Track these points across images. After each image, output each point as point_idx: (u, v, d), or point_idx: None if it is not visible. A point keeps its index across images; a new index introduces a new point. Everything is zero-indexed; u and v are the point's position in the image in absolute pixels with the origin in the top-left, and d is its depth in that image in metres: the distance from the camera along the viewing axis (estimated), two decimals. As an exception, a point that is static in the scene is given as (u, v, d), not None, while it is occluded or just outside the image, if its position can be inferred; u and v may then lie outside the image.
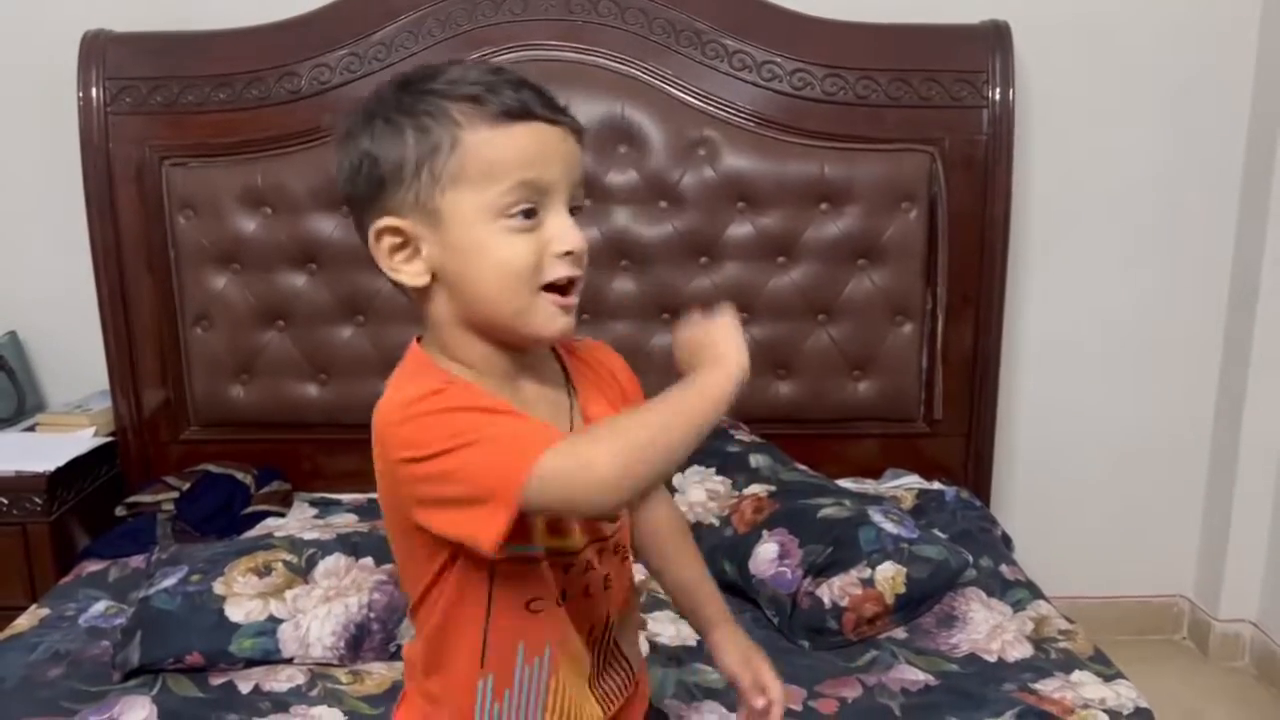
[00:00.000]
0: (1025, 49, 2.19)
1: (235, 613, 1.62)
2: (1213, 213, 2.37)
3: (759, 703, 1.07)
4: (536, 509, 0.83)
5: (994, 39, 2.15)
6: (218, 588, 1.65)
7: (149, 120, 2.11)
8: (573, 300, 0.90)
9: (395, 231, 0.88)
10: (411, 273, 0.89)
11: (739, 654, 1.09)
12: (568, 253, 0.88)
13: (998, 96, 2.15)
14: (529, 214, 0.87)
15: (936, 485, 2.21)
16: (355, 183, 0.90)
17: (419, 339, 0.96)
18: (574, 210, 0.90)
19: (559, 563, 0.94)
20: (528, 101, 0.86)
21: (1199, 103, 2.31)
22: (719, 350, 0.85)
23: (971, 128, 2.16)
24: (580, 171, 0.91)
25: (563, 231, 0.88)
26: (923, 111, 2.16)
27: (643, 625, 1.10)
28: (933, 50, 2.16)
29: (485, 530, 0.82)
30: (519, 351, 0.93)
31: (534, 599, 0.92)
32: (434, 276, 0.89)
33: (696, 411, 0.83)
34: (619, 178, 2.14)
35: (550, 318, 0.89)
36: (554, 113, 0.88)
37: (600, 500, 0.82)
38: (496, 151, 0.85)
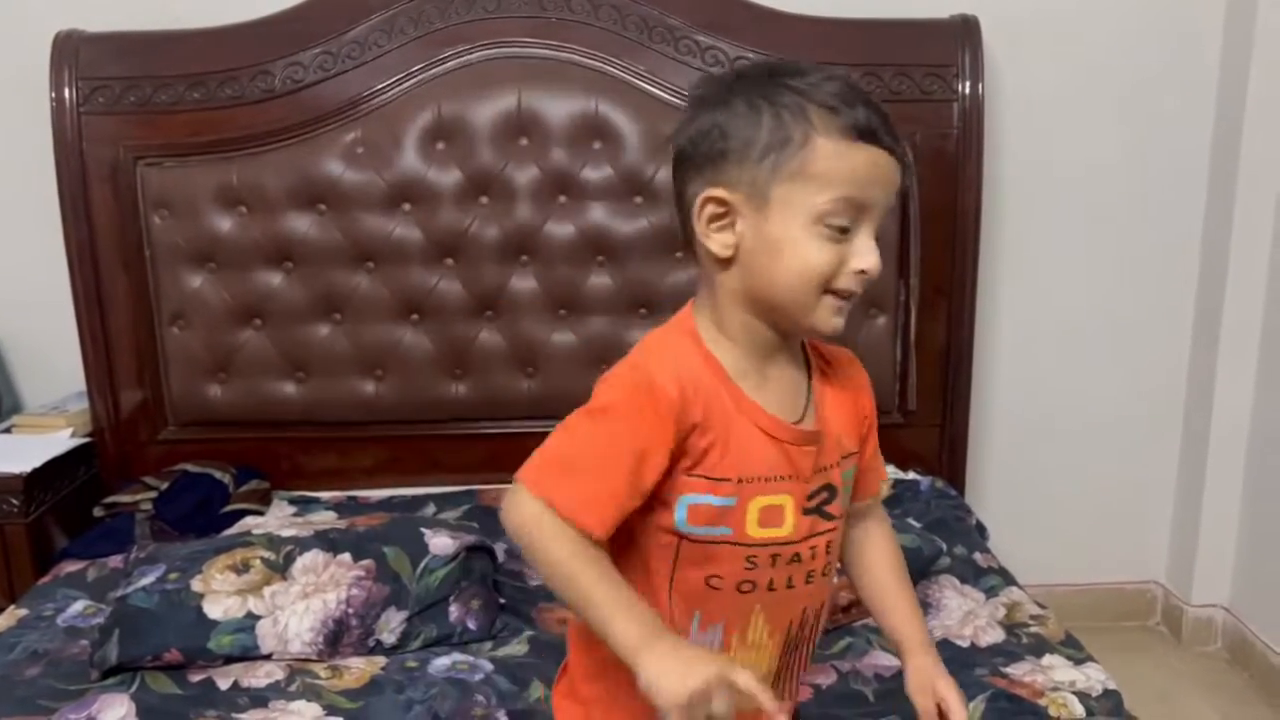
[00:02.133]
0: (994, 43, 2.21)
1: (213, 610, 1.62)
2: (1181, 202, 2.40)
3: None
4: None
5: (963, 33, 2.17)
6: (195, 585, 1.65)
7: (123, 120, 2.11)
8: (849, 304, 0.95)
9: (721, 203, 0.93)
10: (720, 242, 0.94)
11: (922, 680, 1.08)
12: (862, 271, 0.93)
13: (967, 90, 2.17)
14: (843, 229, 0.92)
15: (912, 475, 2.23)
16: (697, 146, 0.94)
17: (694, 300, 1.00)
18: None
19: (766, 552, 0.97)
20: (876, 127, 0.91)
21: (1166, 92, 2.34)
22: (661, 681, 0.83)
23: (942, 121, 2.18)
24: (894, 199, 0.95)
25: (866, 251, 0.93)
26: (893, 105, 2.13)
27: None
28: (903, 45, 2.18)
29: None
30: (782, 335, 0.98)
31: (713, 576, 0.97)
32: (736, 252, 0.94)
33: (593, 607, 0.88)
34: (593, 174, 2.15)
35: (828, 317, 0.94)
36: (894, 142, 0.92)
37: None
38: (837, 163, 0.90)
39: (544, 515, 0.89)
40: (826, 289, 0.93)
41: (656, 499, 0.93)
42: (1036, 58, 2.30)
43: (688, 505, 0.94)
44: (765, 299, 0.94)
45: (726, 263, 0.95)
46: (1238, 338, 2.36)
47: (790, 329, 0.98)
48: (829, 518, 1.01)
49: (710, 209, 0.93)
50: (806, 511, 0.98)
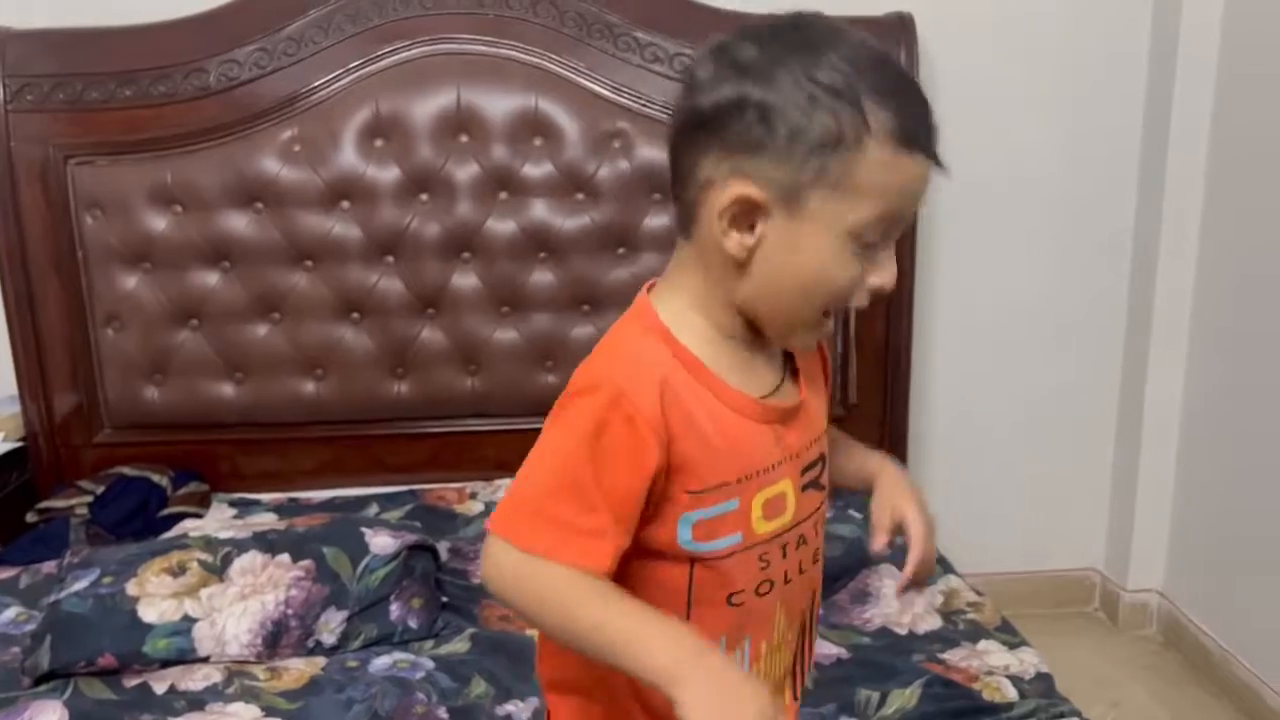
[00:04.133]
0: (929, 40, 2.24)
1: (149, 613, 1.60)
2: (1112, 196, 2.45)
3: (880, 542, 1.01)
4: None
5: (899, 30, 2.20)
6: (130, 589, 1.63)
7: (52, 118, 2.07)
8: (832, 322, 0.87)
9: (752, 203, 0.80)
10: (738, 243, 0.82)
11: (884, 496, 1.03)
12: (880, 287, 0.84)
13: (903, 86, 2.20)
14: (872, 245, 0.82)
15: (854, 467, 2.25)
16: (726, 120, 0.80)
17: (650, 287, 0.90)
18: None
19: (776, 545, 0.90)
20: (928, 130, 0.82)
21: (1098, 90, 2.39)
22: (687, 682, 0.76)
23: (879, 117, 2.21)
24: None
25: (887, 266, 0.84)
26: (831, 102, 2.20)
27: None
28: (840, 42, 2.20)
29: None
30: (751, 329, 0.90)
31: (735, 592, 0.89)
32: (749, 254, 0.83)
33: (606, 637, 0.79)
34: (534, 170, 2.15)
35: (811, 338, 0.89)
36: (937, 145, 0.82)
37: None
38: (886, 175, 0.79)
39: (528, 562, 0.81)
40: (830, 308, 0.85)
41: (656, 525, 0.85)
42: (971, 55, 2.33)
43: (692, 523, 0.85)
44: (762, 308, 0.85)
45: (734, 262, 0.83)
46: (1168, 331, 2.41)
47: (768, 337, 0.89)
48: (821, 488, 0.95)
49: (734, 209, 0.81)
50: (805, 488, 0.92)
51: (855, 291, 0.84)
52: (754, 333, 0.89)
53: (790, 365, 0.94)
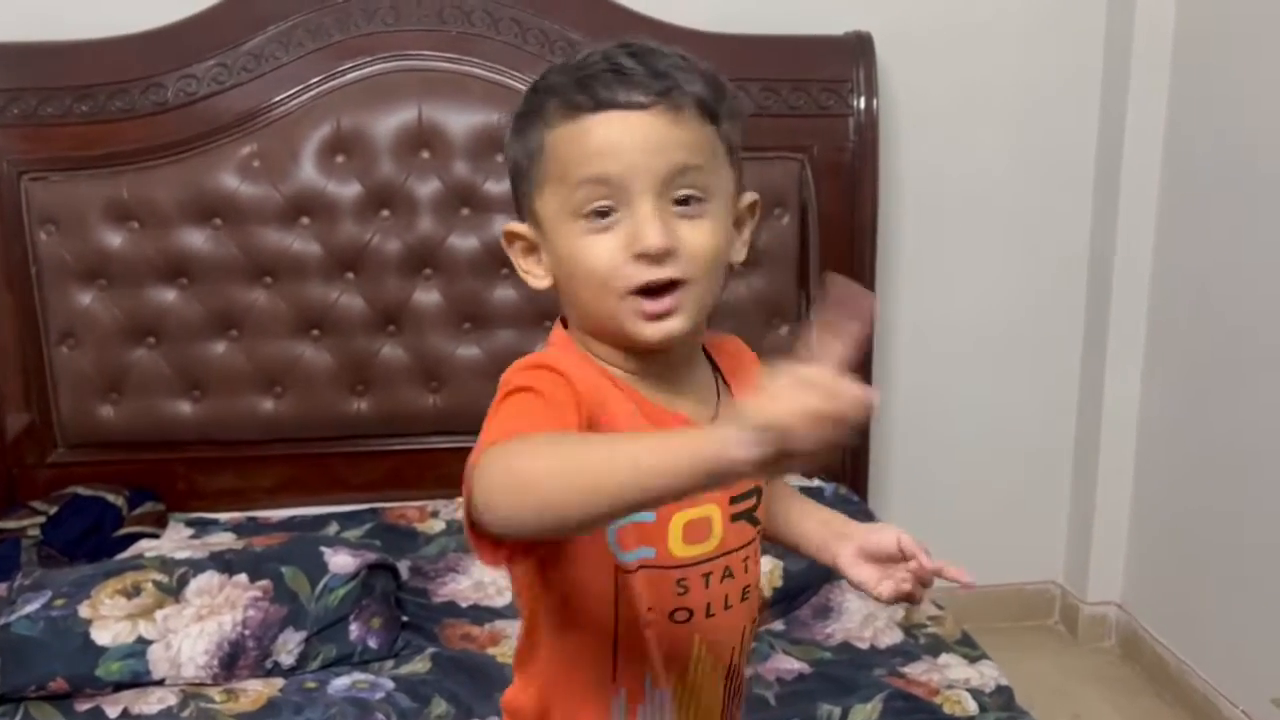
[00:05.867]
0: (887, 58, 2.27)
1: (102, 636, 1.58)
2: (1068, 211, 2.49)
3: (882, 588, 0.94)
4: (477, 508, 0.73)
5: (857, 49, 2.23)
6: (83, 611, 1.60)
7: (5, 133, 2.04)
8: (664, 304, 0.83)
9: (519, 236, 0.90)
10: (536, 275, 0.90)
11: (852, 549, 0.95)
12: (641, 255, 0.81)
13: (862, 105, 2.22)
14: (603, 213, 0.82)
15: (816, 482, 2.26)
16: (511, 183, 0.92)
17: (564, 322, 0.93)
18: (685, 200, 0.83)
19: (697, 572, 0.88)
20: (599, 91, 0.81)
21: (1052, 105, 2.43)
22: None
23: (838, 135, 2.23)
24: (677, 155, 0.82)
25: (638, 229, 0.81)
26: (792, 120, 2.22)
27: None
28: (800, 61, 2.22)
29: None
30: (652, 352, 0.87)
31: (648, 608, 0.87)
32: (554, 280, 0.89)
33: (622, 468, 0.68)
34: (496, 186, 2.15)
35: (637, 326, 0.84)
36: (636, 94, 0.81)
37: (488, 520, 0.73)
38: (569, 148, 0.83)
39: (513, 441, 0.73)
40: (628, 291, 0.83)
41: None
42: (928, 73, 2.36)
43: (616, 527, 0.82)
44: (584, 319, 0.88)
45: (556, 292, 0.89)
46: (1124, 346, 2.45)
47: (621, 345, 0.87)
48: (756, 523, 0.93)
49: (518, 244, 0.90)
50: (734, 518, 0.90)
51: (620, 267, 0.82)
52: (658, 357, 0.87)
53: (727, 394, 0.92)
